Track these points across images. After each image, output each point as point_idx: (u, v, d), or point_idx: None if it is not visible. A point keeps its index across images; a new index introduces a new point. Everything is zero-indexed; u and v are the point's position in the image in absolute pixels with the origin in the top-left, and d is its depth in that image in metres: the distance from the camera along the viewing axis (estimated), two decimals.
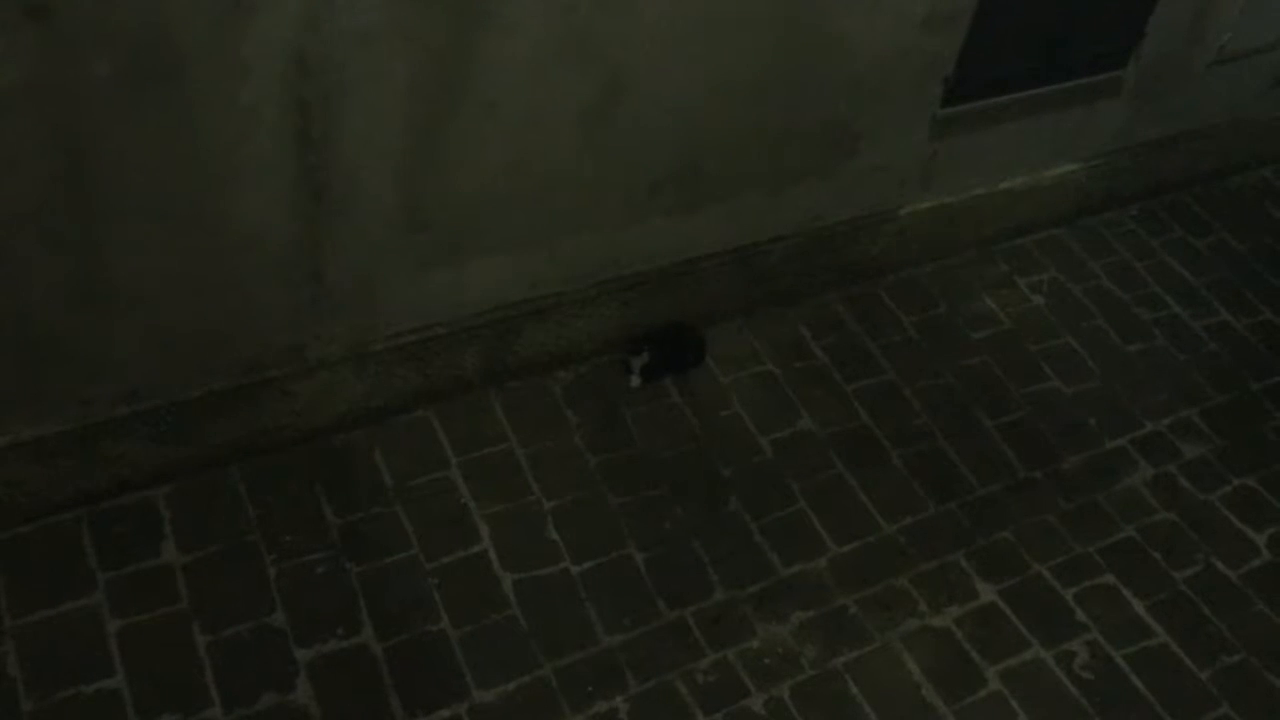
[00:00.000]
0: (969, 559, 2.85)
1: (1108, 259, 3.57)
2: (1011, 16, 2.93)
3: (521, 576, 2.65)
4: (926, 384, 3.23)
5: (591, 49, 2.42)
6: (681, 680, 2.53)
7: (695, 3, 2.47)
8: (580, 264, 2.88)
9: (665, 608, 2.66)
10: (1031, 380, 3.25)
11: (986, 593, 2.78)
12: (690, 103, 2.67)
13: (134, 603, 2.40)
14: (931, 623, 2.72)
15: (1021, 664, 2.68)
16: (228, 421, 2.60)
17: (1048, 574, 2.84)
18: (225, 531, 2.55)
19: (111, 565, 2.43)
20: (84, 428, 2.42)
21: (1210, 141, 3.64)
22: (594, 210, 2.77)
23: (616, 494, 2.85)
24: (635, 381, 3.08)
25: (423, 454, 2.82)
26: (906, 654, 2.65)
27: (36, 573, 2.39)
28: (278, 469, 2.67)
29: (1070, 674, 2.66)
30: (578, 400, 3.01)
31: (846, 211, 3.23)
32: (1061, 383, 3.25)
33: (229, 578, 2.46)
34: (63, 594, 2.37)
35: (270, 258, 2.39)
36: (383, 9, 2.13)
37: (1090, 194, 3.57)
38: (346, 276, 2.55)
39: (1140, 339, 3.38)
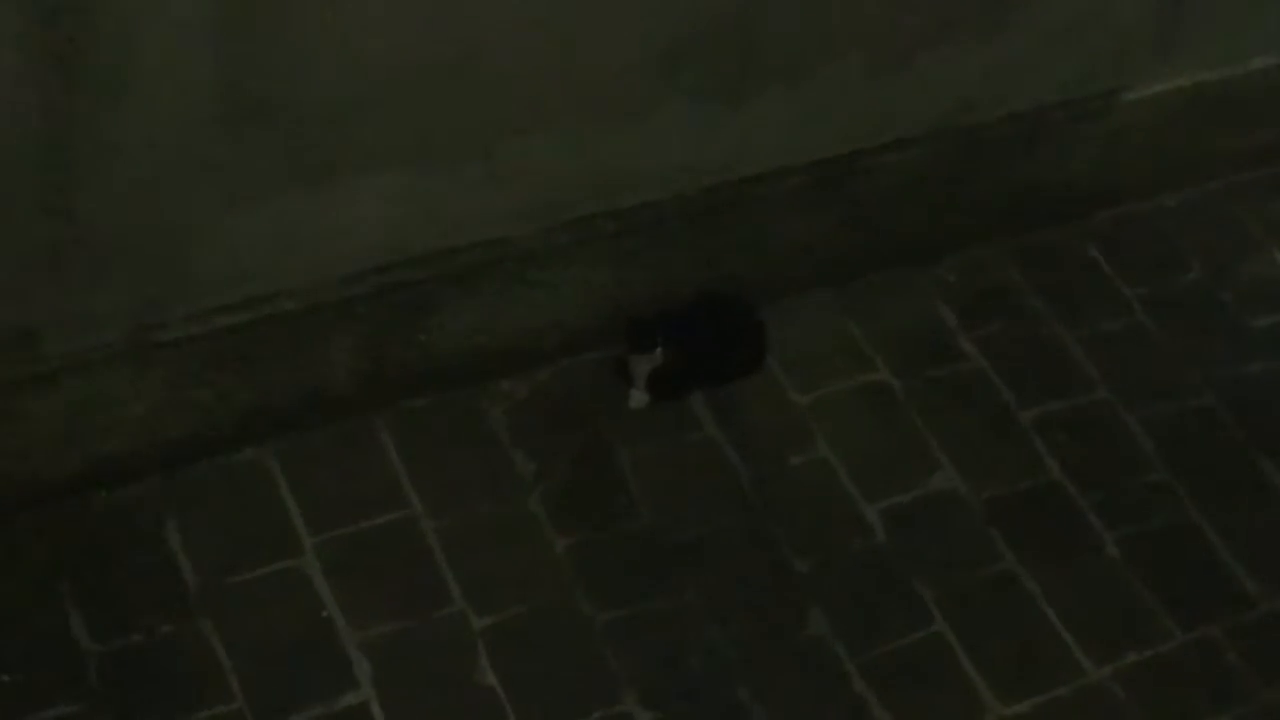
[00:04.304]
0: None
1: None
2: None
3: None
4: (1167, 409, 3.24)
5: None
6: None
7: None
8: (541, 189, 2.87)
9: None
10: None
11: None
12: None
13: None
14: None
15: None
16: None
17: None
18: None
19: None
20: None
21: None
22: (565, 95, 2.75)
23: (601, 604, 2.85)
24: (639, 399, 3.08)
25: (251, 528, 2.84)
26: None
27: None
28: None
29: None
30: (533, 432, 3.02)
31: (1021, 98, 3.21)
32: None
33: None
34: None
35: None
36: None
37: None
38: (117, 208, 2.53)
39: None
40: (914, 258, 3.35)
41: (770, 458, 3.08)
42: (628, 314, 3.08)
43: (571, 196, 2.92)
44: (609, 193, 2.95)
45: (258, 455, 2.93)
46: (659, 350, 3.03)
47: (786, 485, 3.06)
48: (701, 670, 2.83)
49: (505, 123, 2.74)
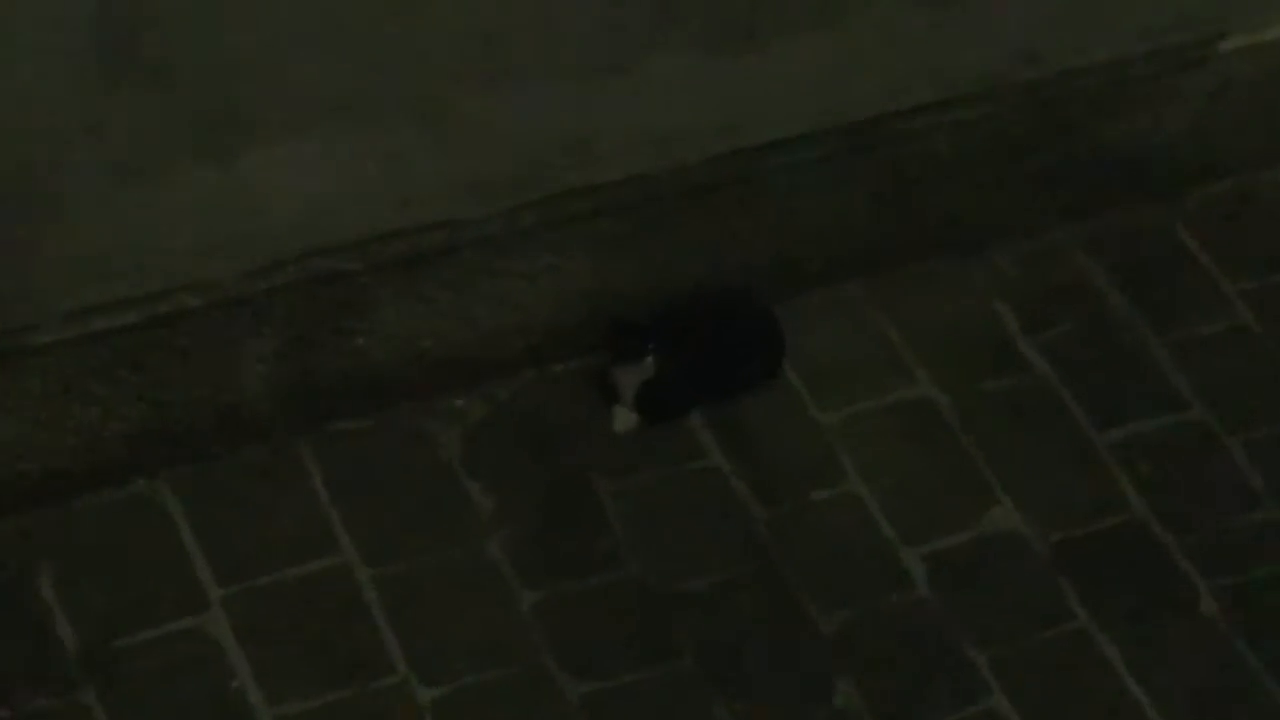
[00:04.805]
0: None
1: None
2: None
3: None
4: (1276, 432, 3.25)
5: None
6: None
7: None
8: (504, 159, 2.88)
9: None
10: None
11: None
12: None
13: None
14: None
15: None
16: None
17: None
18: None
19: None
20: None
21: None
22: (534, 42, 2.76)
23: (577, 674, 2.85)
24: (624, 420, 3.08)
25: (145, 578, 2.85)
26: None
27: None
28: None
29: None
30: (494, 461, 3.03)
31: (1098, 47, 3.20)
32: None
33: None
34: None
35: None
36: None
37: None
38: None
39: None
40: (965, 244, 3.35)
41: (789, 492, 3.07)
42: (611, 314, 3.09)
43: (542, 168, 2.92)
44: (588, 164, 2.94)
45: (153, 488, 2.94)
46: (649, 359, 3.03)
47: (809, 526, 3.05)
48: None
49: (460, 76, 2.75)
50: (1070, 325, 3.30)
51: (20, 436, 2.82)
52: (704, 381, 3.11)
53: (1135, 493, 3.14)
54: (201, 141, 2.64)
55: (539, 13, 2.72)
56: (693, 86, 2.91)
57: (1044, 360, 3.25)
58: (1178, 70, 3.29)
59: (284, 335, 2.90)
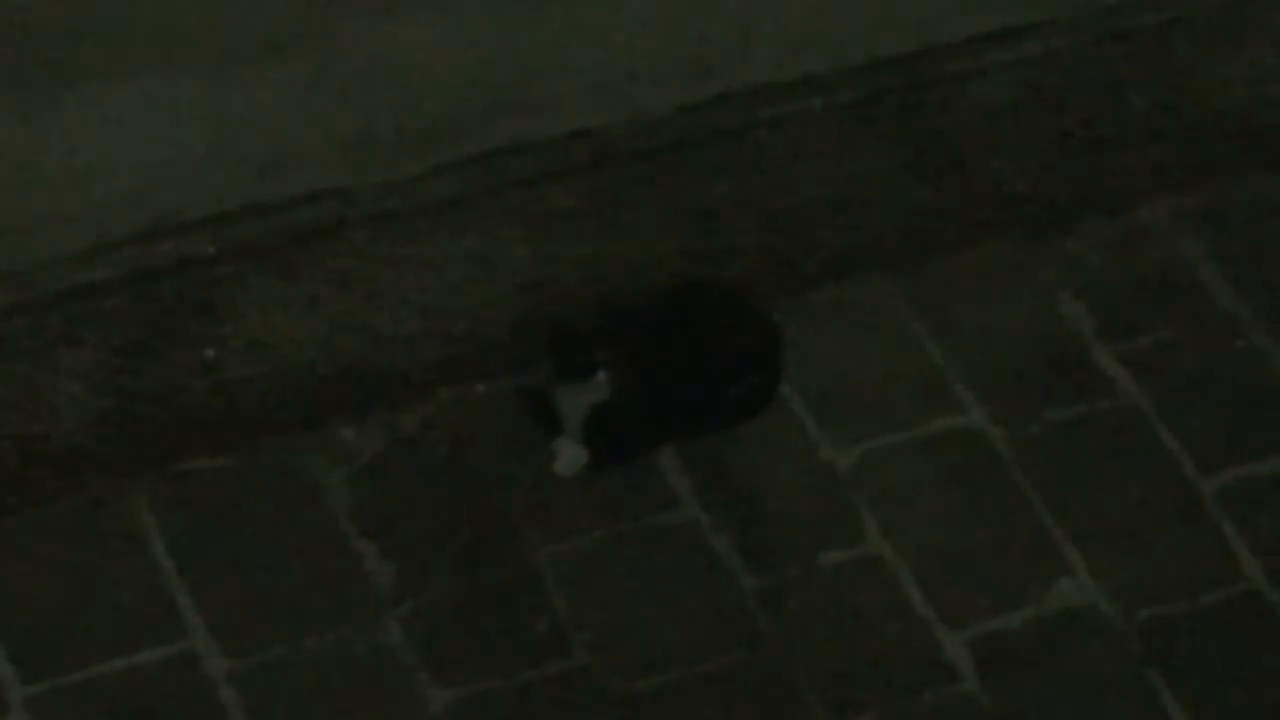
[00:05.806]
0: None
1: None
2: None
3: None
4: None
5: None
6: None
7: None
8: (410, 106, 2.88)
9: None
10: None
11: None
12: None
13: None
14: None
15: None
16: None
17: None
18: None
19: None
20: None
21: None
22: None
23: None
24: (570, 458, 3.10)
25: None
26: None
27: None
28: None
29: None
30: (394, 514, 3.03)
31: None
32: None
33: None
34: None
35: None
36: None
37: None
38: None
39: None
40: (1028, 224, 3.35)
41: (789, 555, 3.06)
42: (552, 317, 3.10)
43: (461, 117, 2.93)
44: (520, 113, 2.95)
45: None
46: (602, 376, 3.03)
47: (817, 600, 3.02)
48: None
49: None
50: (1165, 331, 3.32)
51: None
52: (675, 407, 3.11)
53: (1250, 556, 3.13)
54: (3, 86, 2.68)
55: None
56: (657, 11, 2.90)
57: (1130, 378, 3.27)
58: None
59: (111, 344, 2.91)
